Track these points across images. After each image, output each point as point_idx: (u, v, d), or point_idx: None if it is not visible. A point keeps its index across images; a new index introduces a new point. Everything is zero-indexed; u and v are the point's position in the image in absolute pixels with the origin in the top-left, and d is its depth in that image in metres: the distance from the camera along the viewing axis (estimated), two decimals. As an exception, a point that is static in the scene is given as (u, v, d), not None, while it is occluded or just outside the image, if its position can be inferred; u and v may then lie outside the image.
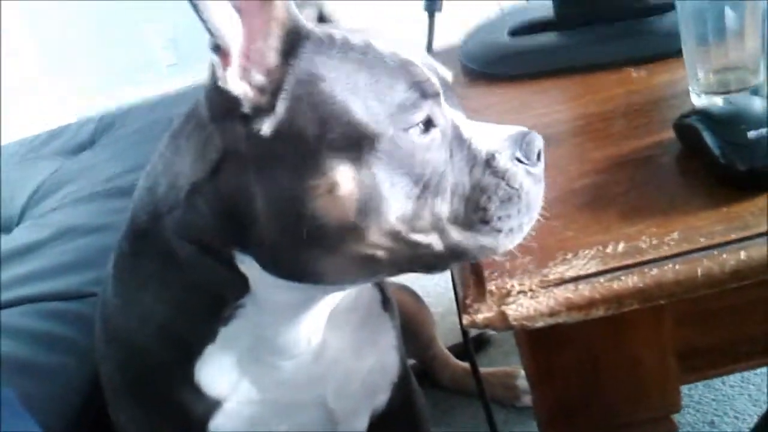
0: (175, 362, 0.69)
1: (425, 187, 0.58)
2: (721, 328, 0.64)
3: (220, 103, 0.58)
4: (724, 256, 0.56)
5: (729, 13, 0.74)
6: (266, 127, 0.57)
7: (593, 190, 0.69)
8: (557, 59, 0.97)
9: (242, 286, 0.65)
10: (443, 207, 0.58)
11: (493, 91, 0.96)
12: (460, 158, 0.60)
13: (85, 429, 0.85)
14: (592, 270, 0.59)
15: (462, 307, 0.61)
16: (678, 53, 0.88)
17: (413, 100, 0.57)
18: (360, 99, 0.56)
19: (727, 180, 0.63)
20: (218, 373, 0.70)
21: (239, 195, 0.60)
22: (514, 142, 0.61)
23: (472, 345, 1.32)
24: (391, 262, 0.60)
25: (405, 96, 0.57)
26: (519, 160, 0.60)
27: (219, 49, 0.55)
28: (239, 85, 0.56)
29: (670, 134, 0.72)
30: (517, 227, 0.60)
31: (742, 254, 0.56)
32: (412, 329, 1.17)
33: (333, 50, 0.58)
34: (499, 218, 0.59)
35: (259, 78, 0.57)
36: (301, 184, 0.56)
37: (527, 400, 1.23)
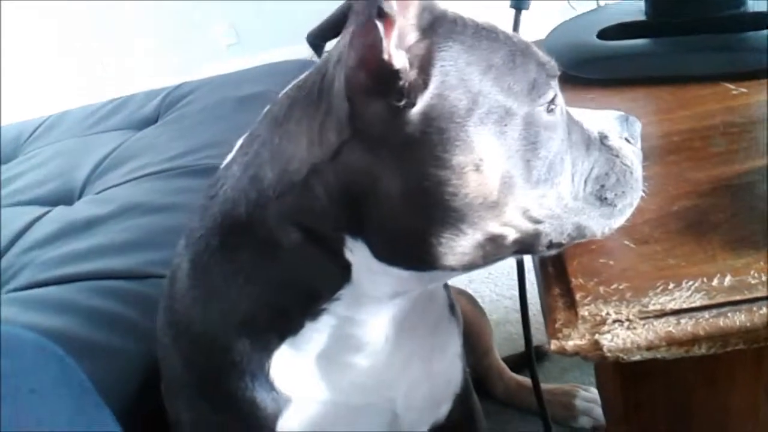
0: (252, 356, 0.67)
1: (551, 164, 0.59)
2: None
3: (370, 78, 0.54)
4: (842, 300, 0.52)
5: None
6: (420, 103, 0.55)
7: (694, 215, 0.65)
8: (649, 66, 0.92)
9: (343, 276, 0.62)
10: (566, 185, 0.61)
11: (579, 95, 0.92)
12: (576, 138, 0.63)
13: (141, 416, 0.84)
14: (697, 303, 0.55)
15: (550, 331, 0.58)
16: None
17: (543, 79, 0.59)
18: (501, 75, 0.57)
19: None
20: (293, 368, 0.67)
21: (363, 178, 0.57)
22: (620, 123, 0.66)
23: (517, 358, 1.31)
24: (517, 242, 0.60)
25: (536, 75, 0.59)
26: (626, 140, 0.65)
27: (384, 17, 0.51)
28: (401, 58, 0.54)
29: (776, 160, 0.68)
30: (628, 204, 0.63)
31: None
32: (470, 337, 1.14)
33: (467, 29, 0.58)
34: (615, 195, 0.63)
35: (419, 48, 0.55)
36: (448, 162, 0.55)
37: (584, 421, 1.20)
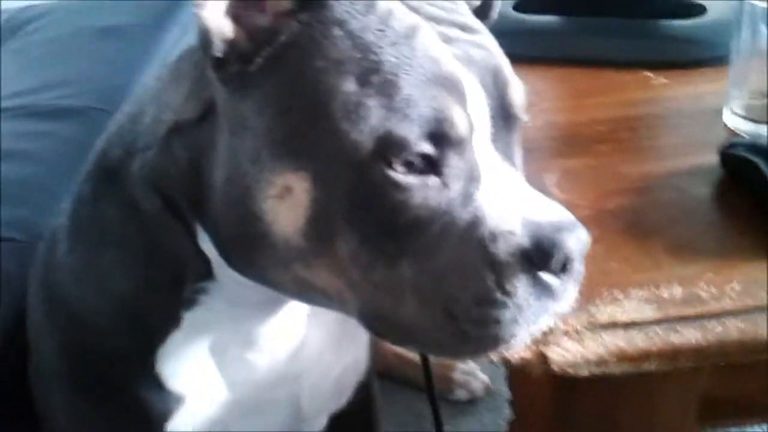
0: (135, 347, 0.58)
1: (393, 234, 0.45)
2: (748, 380, 0.59)
3: (204, 42, 0.46)
4: (792, 319, 0.51)
5: (764, 35, 0.68)
6: (234, 80, 0.47)
7: (632, 215, 0.61)
8: (568, 46, 0.88)
9: (203, 268, 0.54)
10: (408, 270, 0.45)
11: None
12: (456, 221, 0.45)
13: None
14: (648, 316, 0.51)
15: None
16: (696, 64, 0.83)
17: (418, 135, 0.43)
18: (354, 100, 0.44)
19: (786, 228, 0.57)
20: (183, 365, 0.59)
21: (208, 155, 0.50)
22: (536, 232, 0.44)
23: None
24: (341, 305, 0.49)
25: (412, 124, 0.43)
26: (530, 261, 0.44)
27: None
28: (218, 19, 0.45)
29: (709, 159, 0.66)
30: (491, 339, 0.45)
31: (812, 321, 0.50)
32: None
33: (357, 22, 0.46)
34: (469, 319, 0.44)
35: (261, 21, 0.46)
36: (257, 175, 0.46)
37: (461, 393, 1.18)
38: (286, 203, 0.46)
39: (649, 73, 0.82)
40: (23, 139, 1.01)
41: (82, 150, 0.83)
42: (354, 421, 0.78)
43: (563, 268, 0.44)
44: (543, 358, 0.50)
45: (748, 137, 0.67)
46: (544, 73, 0.85)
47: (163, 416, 0.60)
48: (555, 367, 0.50)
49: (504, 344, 0.45)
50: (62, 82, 1.15)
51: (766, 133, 0.66)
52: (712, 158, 0.66)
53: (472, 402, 1.20)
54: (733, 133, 0.70)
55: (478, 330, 0.45)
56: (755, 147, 0.62)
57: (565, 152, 0.70)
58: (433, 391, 0.80)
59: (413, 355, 1.20)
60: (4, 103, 1.11)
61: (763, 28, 0.68)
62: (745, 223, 0.59)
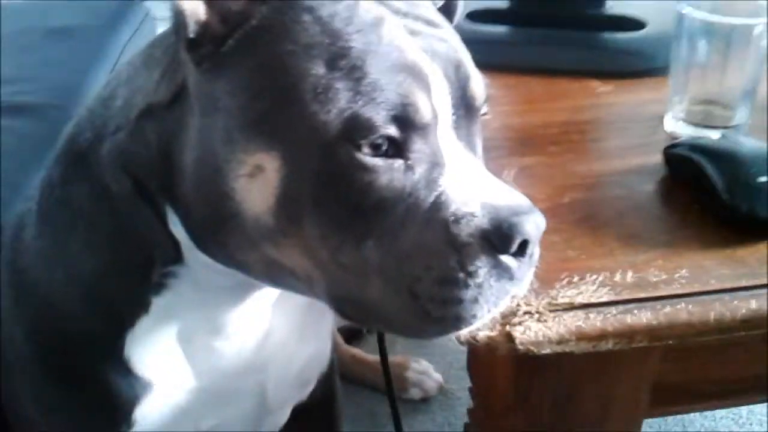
0: (104, 331, 0.58)
1: (360, 215, 0.46)
2: (697, 366, 0.63)
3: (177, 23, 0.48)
4: (736, 302, 0.55)
5: (702, 46, 0.74)
6: (206, 61, 0.48)
7: (585, 208, 0.65)
8: (519, 55, 0.93)
9: (173, 251, 0.55)
10: (374, 251, 0.47)
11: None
12: (420, 203, 0.47)
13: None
14: (604, 299, 0.55)
15: (458, 321, 0.55)
16: (638, 74, 0.89)
17: (384, 118, 0.45)
18: (323, 83, 0.45)
19: (727, 219, 0.62)
20: (151, 350, 0.59)
21: (179, 138, 0.51)
22: (495, 215, 0.46)
23: (354, 329, 1.29)
24: (309, 286, 0.51)
25: (378, 107, 0.45)
26: (490, 242, 0.46)
27: None
28: (192, 2, 0.47)
29: (652, 159, 0.71)
30: (453, 318, 0.47)
31: (753, 303, 0.55)
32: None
33: (325, 9, 0.47)
34: (432, 299, 0.46)
35: (234, 5, 0.48)
36: (229, 155, 0.48)
37: (415, 392, 1.20)
38: (257, 182, 0.47)
39: (595, 82, 0.87)
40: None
41: (40, 145, 0.83)
42: (316, 412, 0.79)
43: (521, 251, 0.47)
44: (508, 337, 0.53)
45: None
46: (498, 80, 0.88)
47: (131, 402, 0.60)
48: (519, 345, 0.53)
49: (466, 324, 0.47)
50: (15, 79, 1.14)
51: (704, 136, 0.72)
52: (655, 158, 0.71)
53: (426, 401, 1.22)
54: (673, 136, 0.75)
55: (441, 309, 0.46)
56: (696, 146, 0.67)
57: (520, 151, 0.74)
58: (393, 390, 0.82)
59: (368, 356, 1.23)
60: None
61: (700, 40, 0.73)
62: (688, 217, 0.64)
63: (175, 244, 0.54)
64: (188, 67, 0.49)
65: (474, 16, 0.98)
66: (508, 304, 0.50)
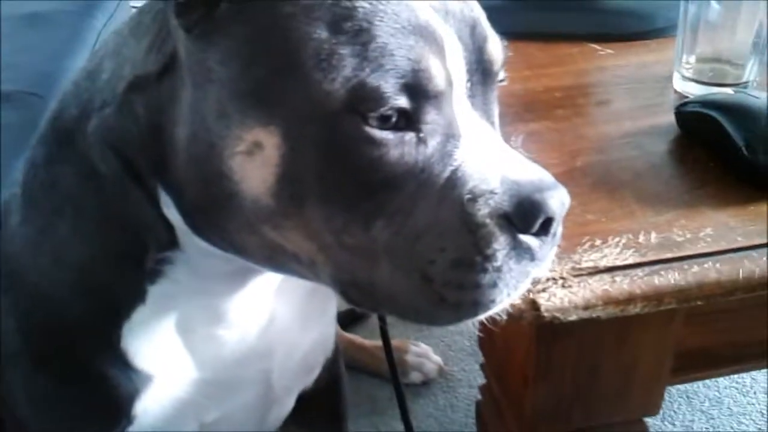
0: (98, 322, 0.54)
1: (367, 193, 0.43)
2: (719, 330, 0.61)
3: None
4: (765, 259, 0.53)
5: (714, 3, 0.72)
6: (198, 26, 0.44)
7: (599, 170, 0.63)
8: (516, 20, 0.89)
9: (166, 236, 0.51)
10: (383, 232, 0.43)
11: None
12: (433, 179, 0.43)
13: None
14: (629, 261, 0.53)
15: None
16: (637, 36, 0.86)
17: (394, 87, 0.41)
18: (326, 48, 0.41)
19: (746, 175, 0.59)
20: (150, 341, 0.56)
21: (170, 113, 0.47)
22: (516, 193, 0.43)
23: (352, 314, 1.26)
24: (313, 271, 0.47)
25: (387, 75, 0.41)
26: (509, 221, 0.43)
27: None
28: None
29: (664, 119, 0.69)
30: (470, 304, 0.43)
31: (783, 259, 0.53)
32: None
33: None
34: (446, 283, 0.43)
35: None
36: (223, 131, 0.44)
37: (415, 376, 1.18)
38: (255, 160, 0.43)
39: (595, 45, 0.84)
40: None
41: (19, 133, 0.79)
42: (321, 398, 0.76)
43: (543, 229, 0.43)
44: (533, 305, 0.51)
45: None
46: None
47: (131, 396, 0.56)
48: (545, 313, 0.50)
49: (483, 310, 0.44)
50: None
51: (717, 93, 0.69)
52: (666, 118, 0.69)
53: (426, 384, 1.19)
54: (682, 96, 0.73)
55: (456, 294, 0.43)
56: (709, 103, 0.64)
57: (526, 117, 0.71)
58: (397, 375, 0.80)
59: (366, 341, 1.20)
60: None
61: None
62: (705, 175, 0.62)
63: (169, 227, 0.51)
64: (178, 34, 0.45)
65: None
66: (528, 287, 0.46)
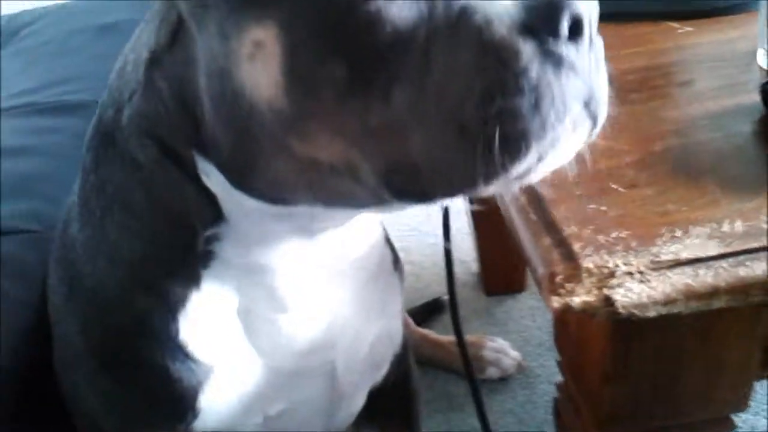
0: (154, 314, 0.55)
1: (377, 62, 0.40)
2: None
3: None
4: None
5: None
6: None
7: (679, 155, 0.59)
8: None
9: (211, 210, 0.51)
10: (404, 98, 0.40)
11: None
12: (441, 24, 0.40)
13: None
14: (712, 252, 0.49)
15: (548, 286, 0.50)
16: (716, 12, 0.82)
17: None
18: None
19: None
20: (208, 331, 0.56)
21: (188, 74, 0.47)
22: (530, 6, 0.39)
23: (426, 309, 1.25)
24: (354, 177, 0.44)
25: None
26: (531, 31, 0.39)
27: None
28: None
29: (747, 98, 0.64)
30: (519, 135, 0.38)
31: None
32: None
33: None
34: (484, 122, 0.38)
35: None
36: (227, 48, 0.44)
37: (492, 372, 1.15)
38: (259, 60, 0.42)
39: (673, 24, 0.80)
40: (29, 135, 0.99)
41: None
42: (392, 396, 0.75)
43: (574, 33, 0.39)
44: (607, 301, 0.48)
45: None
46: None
47: (193, 389, 0.57)
48: (621, 309, 0.48)
49: (538, 138, 0.39)
50: (63, 80, 1.13)
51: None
52: (751, 97, 0.64)
53: (504, 380, 1.16)
54: (768, 73, 0.68)
55: (499, 128, 0.38)
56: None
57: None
58: (472, 370, 0.77)
59: (440, 336, 1.18)
60: (6, 103, 1.09)
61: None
62: (797, 158, 0.57)
63: (211, 200, 0.51)
64: None
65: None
66: (588, 123, 0.41)
